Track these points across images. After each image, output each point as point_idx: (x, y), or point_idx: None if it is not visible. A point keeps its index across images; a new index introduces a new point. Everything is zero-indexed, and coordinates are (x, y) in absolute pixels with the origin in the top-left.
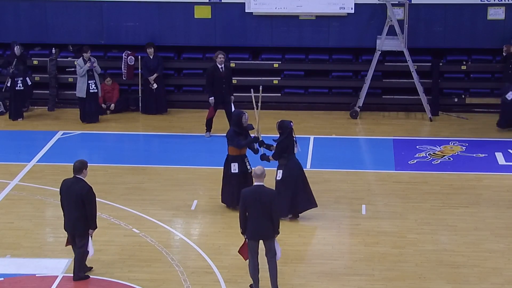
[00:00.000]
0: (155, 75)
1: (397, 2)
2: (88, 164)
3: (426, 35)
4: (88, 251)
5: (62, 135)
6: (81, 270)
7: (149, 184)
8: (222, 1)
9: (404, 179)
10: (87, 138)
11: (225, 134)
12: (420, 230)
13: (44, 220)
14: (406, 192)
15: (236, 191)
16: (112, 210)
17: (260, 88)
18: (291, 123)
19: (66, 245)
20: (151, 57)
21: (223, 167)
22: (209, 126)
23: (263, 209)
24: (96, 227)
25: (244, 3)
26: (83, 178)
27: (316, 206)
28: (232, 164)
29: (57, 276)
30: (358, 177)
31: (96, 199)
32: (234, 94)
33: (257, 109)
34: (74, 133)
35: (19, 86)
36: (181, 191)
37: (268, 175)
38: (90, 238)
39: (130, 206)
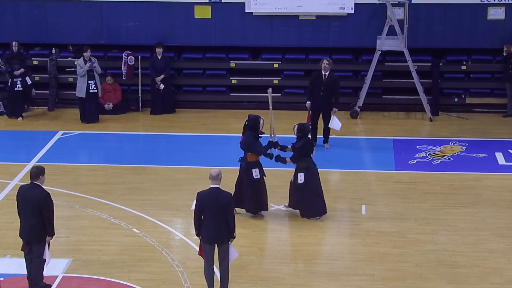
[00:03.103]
0: (162, 76)
1: (397, 2)
2: (45, 170)
3: (426, 35)
4: (45, 260)
5: (62, 135)
6: (40, 279)
7: (149, 184)
8: (222, 1)
9: (404, 179)
10: (87, 138)
11: (224, 134)
12: (420, 230)
13: None
14: (406, 192)
15: (260, 196)
16: (112, 210)
17: (269, 91)
18: (310, 126)
19: (21, 250)
20: (159, 57)
21: (240, 174)
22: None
23: (220, 212)
24: (54, 234)
25: (244, 3)
26: (40, 184)
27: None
28: (253, 170)
29: (57, 276)
30: (358, 177)
31: (54, 205)
32: (234, 94)
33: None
34: (74, 133)
35: (18, 87)
36: (181, 191)
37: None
38: (47, 246)
39: (130, 206)
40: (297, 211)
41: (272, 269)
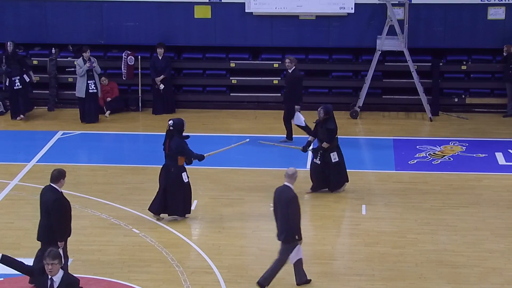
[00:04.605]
0: (161, 77)
1: (397, 2)
2: (65, 174)
3: (426, 35)
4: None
5: (62, 135)
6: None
7: (149, 184)
8: (222, 1)
9: (404, 179)
10: (87, 138)
11: (224, 134)
12: (420, 230)
13: None
14: (406, 192)
15: (188, 199)
16: (112, 210)
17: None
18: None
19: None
20: (160, 57)
21: (165, 181)
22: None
23: (281, 210)
24: (62, 240)
25: (244, 3)
26: (57, 187)
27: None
28: (183, 174)
29: None
30: (358, 177)
31: (69, 208)
32: (234, 94)
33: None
34: (74, 133)
35: (17, 85)
36: None
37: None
38: (61, 250)
39: (130, 206)
40: (322, 191)
41: None
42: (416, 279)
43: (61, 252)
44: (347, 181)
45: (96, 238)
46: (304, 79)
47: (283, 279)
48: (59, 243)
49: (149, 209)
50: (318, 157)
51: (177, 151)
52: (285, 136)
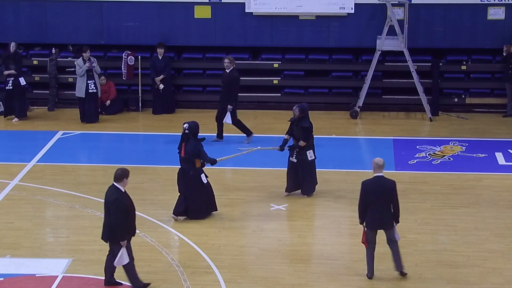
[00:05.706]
0: (161, 77)
1: (397, 2)
2: (129, 174)
3: (426, 35)
4: (122, 261)
5: (62, 135)
6: (107, 275)
7: (149, 184)
8: (222, 1)
9: (404, 179)
10: (87, 138)
11: (224, 134)
12: (420, 230)
13: (44, 220)
14: (406, 192)
15: (210, 198)
16: None
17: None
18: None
19: None
20: (160, 57)
21: (185, 184)
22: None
23: (385, 199)
24: (123, 239)
25: (244, 3)
26: (120, 186)
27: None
28: (202, 176)
29: (57, 276)
30: (358, 177)
31: (131, 208)
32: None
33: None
34: (74, 133)
35: (9, 86)
36: None
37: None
38: (123, 249)
39: None
40: (294, 193)
41: (272, 269)
42: (416, 279)
43: (122, 251)
44: (316, 184)
45: (96, 238)
46: (304, 79)
47: (283, 279)
48: (121, 242)
49: (173, 213)
50: (294, 155)
51: (193, 154)
52: (216, 135)
